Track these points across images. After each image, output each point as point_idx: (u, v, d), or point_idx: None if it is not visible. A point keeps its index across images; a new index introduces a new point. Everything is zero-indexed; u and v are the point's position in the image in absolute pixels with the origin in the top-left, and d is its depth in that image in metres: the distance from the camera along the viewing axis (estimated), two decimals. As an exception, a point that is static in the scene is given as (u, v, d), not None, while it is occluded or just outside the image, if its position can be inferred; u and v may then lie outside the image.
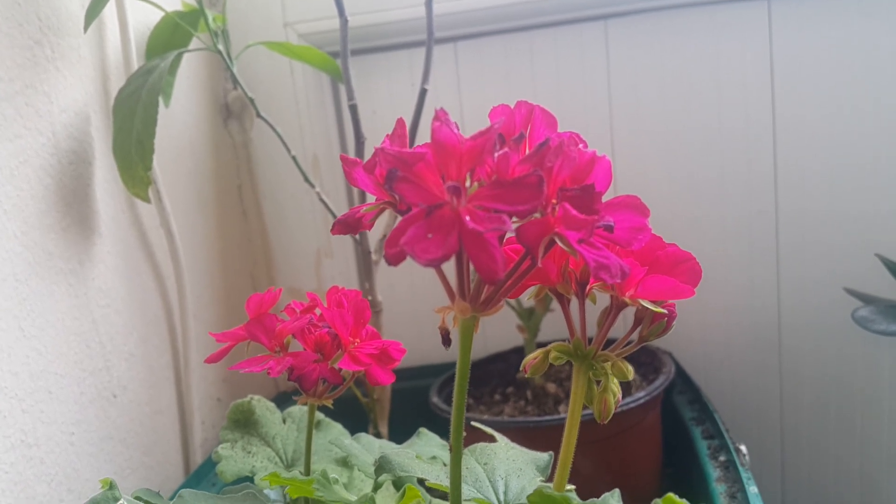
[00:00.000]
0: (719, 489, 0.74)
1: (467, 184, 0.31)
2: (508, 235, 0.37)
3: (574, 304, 0.43)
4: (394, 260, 0.29)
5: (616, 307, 0.41)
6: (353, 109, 0.85)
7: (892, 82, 1.00)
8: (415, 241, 0.28)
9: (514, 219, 0.32)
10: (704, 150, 1.07)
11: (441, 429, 0.65)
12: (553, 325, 0.99)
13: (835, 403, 1.11)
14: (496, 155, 0.30)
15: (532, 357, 0.43)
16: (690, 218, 1.08)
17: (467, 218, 0.29)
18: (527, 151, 0.33)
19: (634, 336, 0.43)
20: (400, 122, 0.35)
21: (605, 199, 0.35)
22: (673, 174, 1.08)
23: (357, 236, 0.90)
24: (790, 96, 1.04)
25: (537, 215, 0.32)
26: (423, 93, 0.86)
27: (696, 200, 1.08)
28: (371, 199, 0.38)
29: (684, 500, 0.31)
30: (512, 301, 0.99)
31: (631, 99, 1.07)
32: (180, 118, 1.00)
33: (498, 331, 1.13)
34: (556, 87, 1.08)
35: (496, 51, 1.09)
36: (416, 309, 1.16)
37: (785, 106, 1.04)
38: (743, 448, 0.82)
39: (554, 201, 0.32)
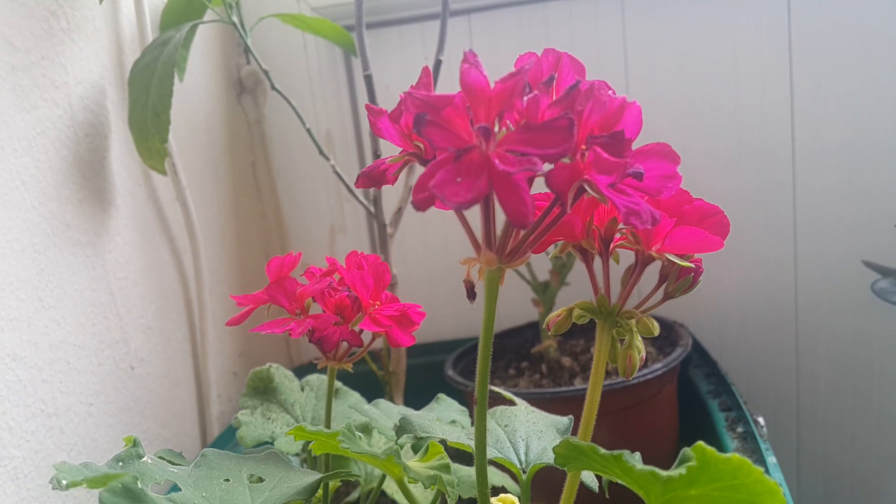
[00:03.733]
0: (737, 459, 0.74)
1: (496, 129, 0.30)
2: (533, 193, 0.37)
3: (598, 262, 0.42)
4: (422, 205, 0.29)
5: (642, 262, 0.40)
6: (369, 79, 0.84)
7: (911, 53, 0.99)
8: (444, 184, 0.28)
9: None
10: (721, 124, 1.06)
11: (458, 401, 0.65)
12: (568, 299, 0.99)
13: (851, 377, 1.10)
14: (525, 98, 0.30)
15: (555, 315, 0.42)
16: (707, 192, 1.06)
17: (497, 161, 0.28)
18: (555, 96, 0.32)
19: (660, 293, 0.42)
20: (425, 70, 0.35)
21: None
22: (690, 148, 1.07)
23: (372, 209, 0.90)
24: (808, 68, 1.03)
25: (566, 160, 0.31)
26: (437, 64, 0.86)
27: (712, 173, 1.08)
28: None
29: (713, 448, 0.31)
30: (527, 275, 0.99)
31: (647, 72, 1.07)
32: (194, 93, 1.00)
33: (512, 306, 1.13)
34: (570, 61, 1.07)
35: (510, 23, 1.08)
36: (429, 286, 1.16)
37: (802, 77, 1.03)
38: (761, 420, 0.82)
39: (583, 147, 0.31)
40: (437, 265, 1.17)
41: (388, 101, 1.00)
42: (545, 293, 0.99)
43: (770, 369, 1.13)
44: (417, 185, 0.29)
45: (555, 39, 1.07)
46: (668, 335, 0.97)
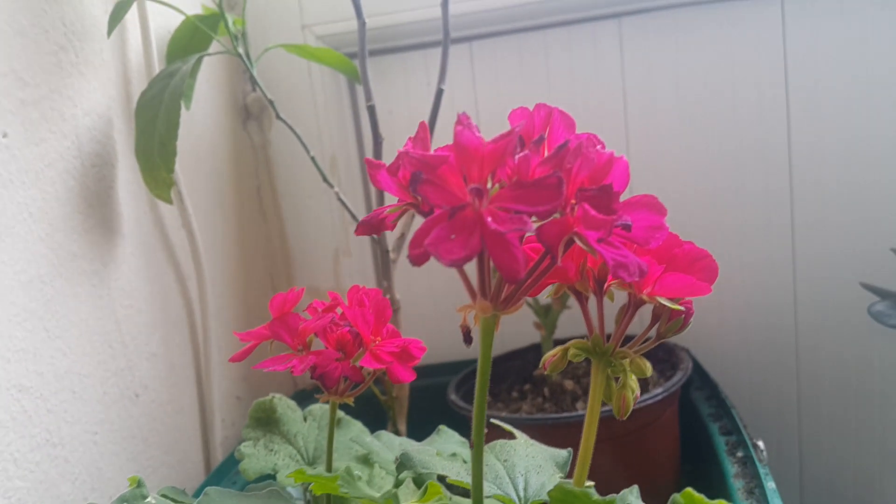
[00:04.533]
0: (737, 485, 0.74)
1: (489, 185, 0.31)
2: (528, 235, 0.38)
3: (592, 301, 0.43)
4: (418, 261, 0.30)
5: (633, 305, 0.41)
6: (372, 110, 0.85)
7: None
8: (439, 241, 0.29)
9: (534, 219, 0.32)
10: (719, 148, 1.07)
11: (459, 426, 0.66)
12: (570, 321, 1.00)
13: (852, 398, 1.11)
14: (517, 157, 0.31)
15: (551, 354, 0.43)
16: (706, 218, 1.08)
17: (489, 219, 0.29)
18: (546, 153, 0.33)
19: (652, 333, 0.43)
20: (422, 125, 0.36)
21: (622, 197, 0.35)
22: (688, 172, 1.08)
23: (376, 236, 0.91)
24: (804, 91, 1.04)
25: (557, 215, 0.32)
26: (439, 93, 0.87)
27: (711, 197, 1.08)
28: (390, 198, 0.38)
29: (702, 495, 0.32)
30: (529, 298, 1.00)
31: (645, 96, 1.08)
32: (200, 121, 1.01)
33: (515, 328, 1.13)
34: (570, 86, 1.09)
35: (511, 50, 1.09)
36: (433, 308, 1.17)
37: (799, 101, 1.04)
38: (761, 444, 0.82)
39: (573, 201, 0.33)
40: (439, 287, 1.18)
41: (391, 126, 1.02)
42: (547, 316, 1.00)
43: (771, 391, 1.14)
44: (413, 241, 0.30)
45: (554, 65, 1.08)
46: (669, 358, 0.98)
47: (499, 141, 0.30)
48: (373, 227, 0.38)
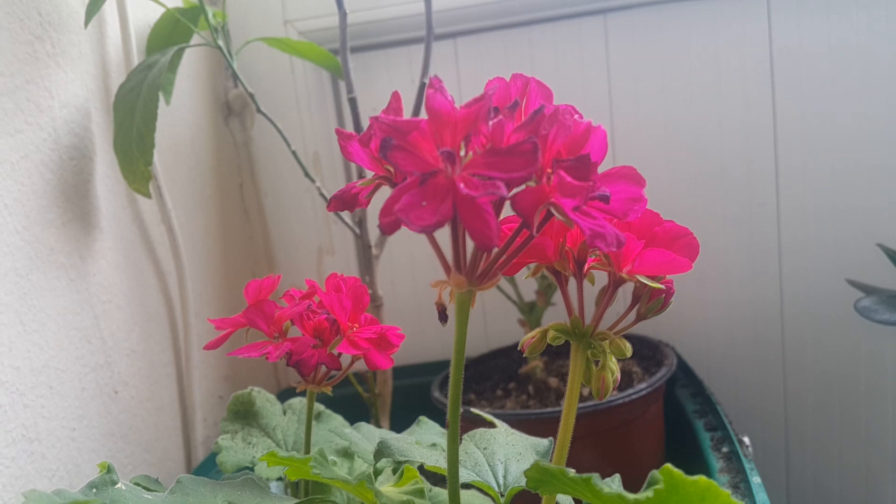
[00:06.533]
0: (722, 479, 0.74)
1: (462, 153, 0.31)
2: (505, 216, 0.37)
3: (572, 284, 0.43)
4: (388, 229, 0.29)
5: (614, 284, 0.40)
6: (353, 102, 0.85)
7: (891, 74, 1.00)
8: (409, 208, 0.28)
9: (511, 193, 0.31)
10: (705, 144, 1.07)
11: (443, 424, 0.65)
12: (555, 319, 0.99)
13: (838, 394, 1.10)
14: (491, 123, 0.30)
15: (529, 337, 0.42)
16: (692, 212, 1.08)
17: (461, 185, 0.29)
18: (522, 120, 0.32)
19: (633, 315, 0.42)
20: (395, 94, 0.35)
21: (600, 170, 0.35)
22: (674, 168, 1.08)
23: (358, 231, 0.90)
24: (790, 88, 1.04)
25: (532, 184, 0.31)
26: (422, 87, 0.87)
27: (697, 194, 1.08)
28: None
29: (680, 470, 0.31)
30: (513, 295, 0.99)
31: (631, 93, 1.07)
32: (181, 116, 1.00)
33: (500, 326, 1.13)
34: (555, 82, 1.07)
35: (495, 46, 1.09)
36: (417, 306, 1.16)
37: (785, 97, 1.04)
38: (746, 439, 0.81)
39: (549, 171, 0.32)
40: (424, 286, 1.17)
41: (374, 123, 1.01)
42: (531, 313, 0.99)
43: (758, 387, 1.13)
44: (384, 209, 0.30)
45: (540, 62, 1.08)
46: (654, 355, 0.97)
47: (472, 105, 0.30)
48: (345, 202, 0.37)
